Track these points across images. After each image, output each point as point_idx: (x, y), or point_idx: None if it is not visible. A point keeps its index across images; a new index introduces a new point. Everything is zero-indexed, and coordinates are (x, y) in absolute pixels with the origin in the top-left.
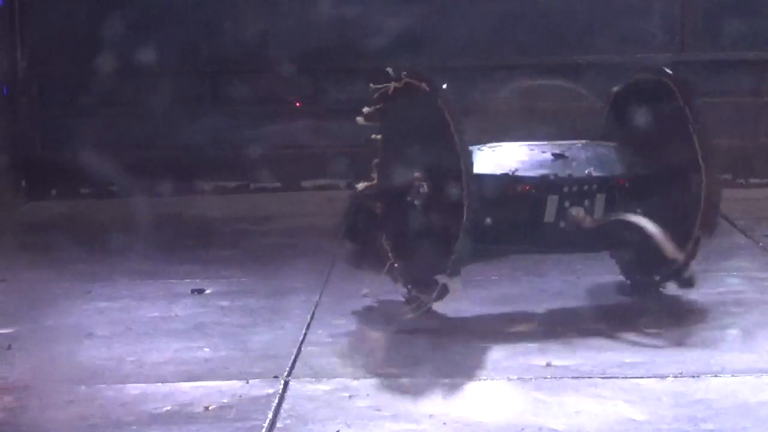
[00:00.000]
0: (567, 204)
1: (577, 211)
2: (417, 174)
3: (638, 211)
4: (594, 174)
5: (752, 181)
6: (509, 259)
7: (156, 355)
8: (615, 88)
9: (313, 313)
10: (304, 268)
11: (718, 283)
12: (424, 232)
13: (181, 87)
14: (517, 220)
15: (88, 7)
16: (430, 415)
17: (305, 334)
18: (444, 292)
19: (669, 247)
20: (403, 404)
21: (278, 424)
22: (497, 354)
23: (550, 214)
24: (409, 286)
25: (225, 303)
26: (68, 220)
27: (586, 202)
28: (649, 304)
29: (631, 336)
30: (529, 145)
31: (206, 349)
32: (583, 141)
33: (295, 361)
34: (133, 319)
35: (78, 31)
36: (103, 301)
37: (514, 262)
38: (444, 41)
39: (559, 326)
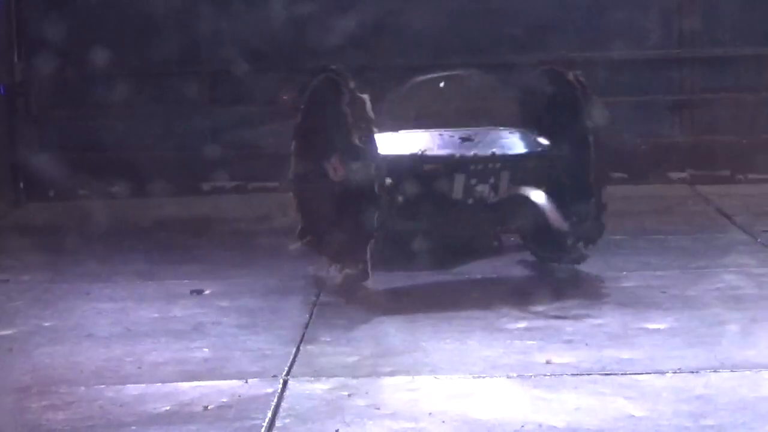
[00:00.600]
0: (473, 182)
1: (482, 188)
2: (333, 158)
3: (541, 187)
4: (498, 153)
5: (751, 177)
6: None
7: (155, 356)
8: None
9: (312, 313)
10: (302, 268)
11: (717, 279)
12: (344, 212)
13: (179, 88)
14: (426, 198)
15: (85, 7)
16: (430, 413)
17: (304, 334)
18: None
19: (555, 218)
20: (402, 402)
21: (277, 423)
22: (496, 351)
23: (457, 192)
24: (337, 264)
25: (224, 303)
26: (66, 222)
27: (492, 180)
28: (647, 300)
29: (630, 332)
30: (440, 130)
31: (205, 349)
32: (491, 127)
33: (294, 360)
34: (132, 320)
35: (75, 31)
36: (102, 302)
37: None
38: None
39: (557, 323)
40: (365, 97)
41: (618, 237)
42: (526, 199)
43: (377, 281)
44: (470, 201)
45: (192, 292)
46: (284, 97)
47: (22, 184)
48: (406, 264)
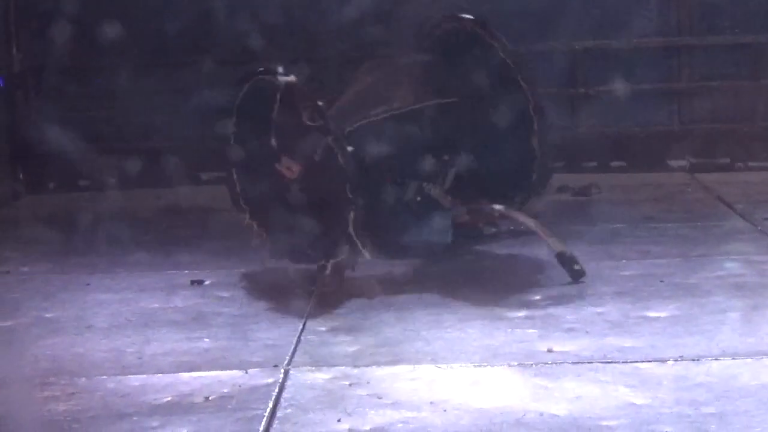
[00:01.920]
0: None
1: (435, 190)
2: (282, 159)
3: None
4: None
5: (750, 164)
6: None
7: (156, 346)
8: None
9: (313, 303)
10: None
11: (717, 266)
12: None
13: (179, 78)
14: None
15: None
16: (431, 402)
17: (304, 323)
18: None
19: (553, 241)
20: (404, 392)
21: (279, 413)
22: (497, 340)
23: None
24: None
25: (224, 293)
26: (66, 213)
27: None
28: (648, 289)
29: (631, 320)
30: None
31: (206, 340)
32: (431, 103)
33: (295, 350)
34: (132, 311)
35: (74, 23)
36: (102, 293)
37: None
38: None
39: (558, 312)
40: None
41: (618, 225)
42: (513, 221)
43: (377, 270)
44: (418, 199)
45: (192, 282)
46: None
47: (21, 176)
48: (405, 253)
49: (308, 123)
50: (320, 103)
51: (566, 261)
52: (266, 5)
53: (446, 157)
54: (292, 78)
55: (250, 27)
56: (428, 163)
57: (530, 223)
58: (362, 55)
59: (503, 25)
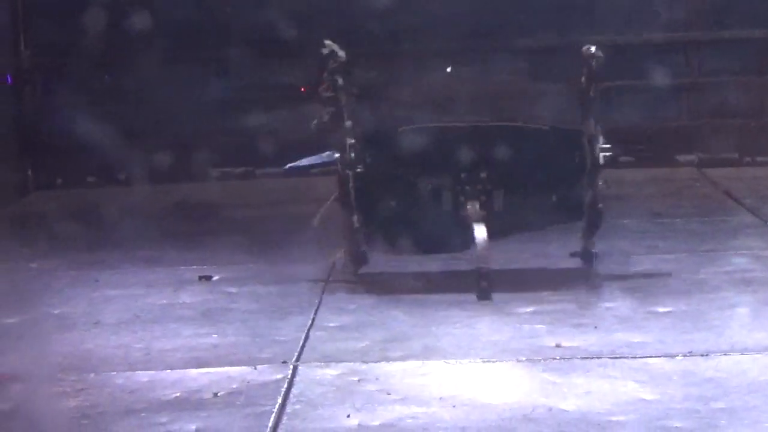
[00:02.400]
0: (462, 199)
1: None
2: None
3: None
4: (489, 176)
5: (758, 159)
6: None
7: (164, 342)
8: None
9: (321, 298)
10: (311, 254)
11: (726, 262)
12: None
13: (186, 73)
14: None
15: None
16: (440, 398)
17: (313, 319)
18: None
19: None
20: (413, 387)
21: (288, 409)
22: (506, 335)
23: (447, 204)
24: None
25: (233, 289)
26: (75, 209)
27: (483, 198)
28: (657, 284)
29: (640, 316)
30: (448, 125)
31: (214, 336)
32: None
33: (303, 346)
34: (140, 307)
35: (82, 19)
36: (110, 289)
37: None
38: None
39: (566, 307)
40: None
41: (626, 221)
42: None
43: (385, 266)
44: (461, 214)
45: (200, 278)
46: (302, 89)
47: (29, 172)
48: (413, 249)
49: (321, 93)
50: (339, 81)
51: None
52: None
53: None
54: (335, 49)
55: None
56: (469, 178)
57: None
58: (393, 45)
59: (511, 22)
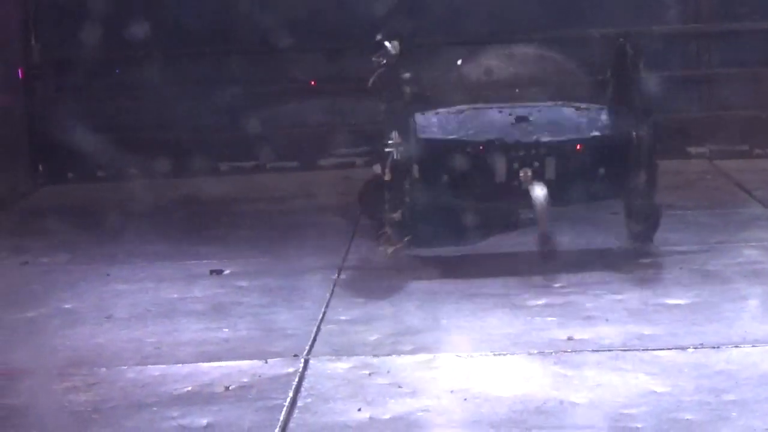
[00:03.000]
0: (516, 165)
1: (524, 172)
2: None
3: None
4: (542, 140)
5: None
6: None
7: (176, 336)
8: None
9: (332, 292)
10: (322, 247)
11: (737, 254)
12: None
13: (197, 68)
14: (468, 178)
15: None
16: (451, 391)
17: (324, 313)
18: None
19: (542, 224)
20: (424, 381)
21: (299, 403)
22: (517, 328)
23: (500, 174)
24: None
25: (243, 283)
26: (85, 203)
27: (536, 164)
28: (667, 276)
29: (651, 308)
30: (500, 106)
31: (225, 330)
32: (560, 103)
33: (314, 339)
34: (152, 301)
35: (93, 14)
36: (122, 284)
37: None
38: (444, 14)
39: (578, 300)
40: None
41: None
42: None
43: (396, 260)
44: (515, 183)
45: (211, 272)
46: (312, 83)
47: (40, 167)
48: (425, 241)
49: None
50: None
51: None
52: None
53: (540, 136)
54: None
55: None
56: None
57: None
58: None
59: (526, 12)
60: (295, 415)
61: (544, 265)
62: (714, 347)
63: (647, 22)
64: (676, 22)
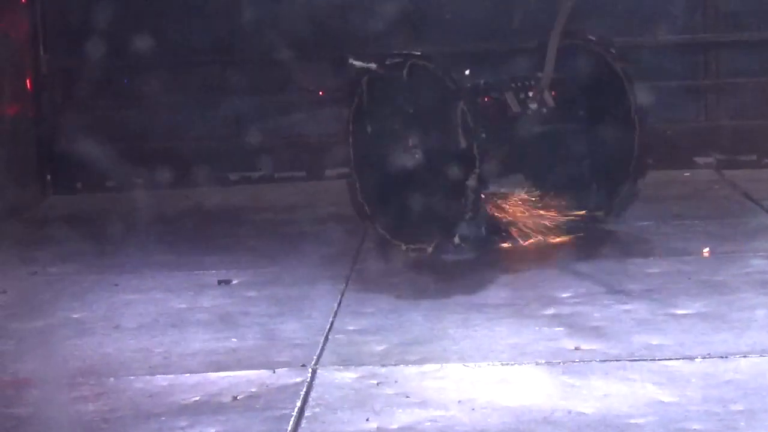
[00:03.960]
0: (523, 96)
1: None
2: (412, 142)
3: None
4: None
5: None
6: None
7: (184, 346)
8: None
9: (340, 301)
10: (330, 257)
11: (745, 263)
12: (422, 193)
13: (204, 77)
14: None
15: (110, 1)
16: (459, 401)
17: (332, 323)
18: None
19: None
20: (432, 390)
21: (307, 413)
22: (525, 338)
23: (514, 106)
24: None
25: (252, 293)
26: (94, 214)
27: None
28: (675, 286)
29: (659, 318)
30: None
31: (233, 340)
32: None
33: (322, 349)
34: (160, 311)
35: (101, 25)
36: (130, 294)
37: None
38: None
39: (585, 310)
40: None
41: (645, 223)
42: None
43: (404, 269)
44: (528, 111)
45: (220, 282)
46: (321, 93)
47: (49, 177)
48: (432, 250)
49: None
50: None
51: None
52: (294, 13)
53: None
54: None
55: (277, 33)
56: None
57: None
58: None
59: (530, 20)
60: (302, 425)
61: (551, 274)
62: (722, 357)
63: (654, 32)
64: (682, 33)
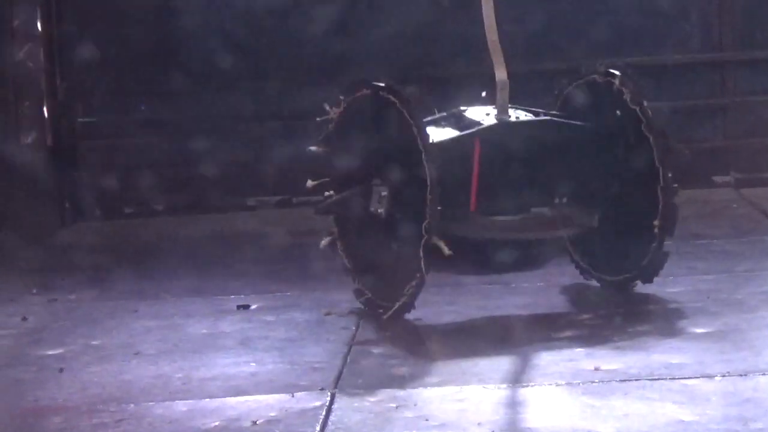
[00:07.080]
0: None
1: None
2: (376, 180)
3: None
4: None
5: None
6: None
7: (203, 372)
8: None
9: (358, 325)
10: (348, 281)
11: (764, 282)
12: (389, 240)
13: (222, 103)
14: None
15: (127, 27)
16: (479, 423)
17: (350, 346)
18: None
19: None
20: (451, 413)
21: None
22: (544, 359)
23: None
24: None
25: (270, 318)
26: (113, 240)
27: None
28: (694, 305)
29: (678, 337)
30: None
31: (253, 364)
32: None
33: (341, 373)
34: (180, 337)
35: (118, 50)
36: (150, 320)
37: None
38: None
39: (604, 330)
40: None
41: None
42: None
43: (422, 293)
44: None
45: (239, 307)
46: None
47: (67, 204)
48: (450, 270)
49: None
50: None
51: None
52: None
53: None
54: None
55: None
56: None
57: None
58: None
59: (546, 40)
60: None
61: (569, 295)
62: (741, 375)
63: (671, 51)
64: (699, 51)
